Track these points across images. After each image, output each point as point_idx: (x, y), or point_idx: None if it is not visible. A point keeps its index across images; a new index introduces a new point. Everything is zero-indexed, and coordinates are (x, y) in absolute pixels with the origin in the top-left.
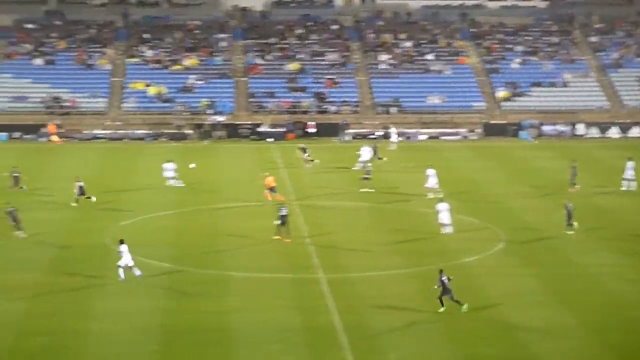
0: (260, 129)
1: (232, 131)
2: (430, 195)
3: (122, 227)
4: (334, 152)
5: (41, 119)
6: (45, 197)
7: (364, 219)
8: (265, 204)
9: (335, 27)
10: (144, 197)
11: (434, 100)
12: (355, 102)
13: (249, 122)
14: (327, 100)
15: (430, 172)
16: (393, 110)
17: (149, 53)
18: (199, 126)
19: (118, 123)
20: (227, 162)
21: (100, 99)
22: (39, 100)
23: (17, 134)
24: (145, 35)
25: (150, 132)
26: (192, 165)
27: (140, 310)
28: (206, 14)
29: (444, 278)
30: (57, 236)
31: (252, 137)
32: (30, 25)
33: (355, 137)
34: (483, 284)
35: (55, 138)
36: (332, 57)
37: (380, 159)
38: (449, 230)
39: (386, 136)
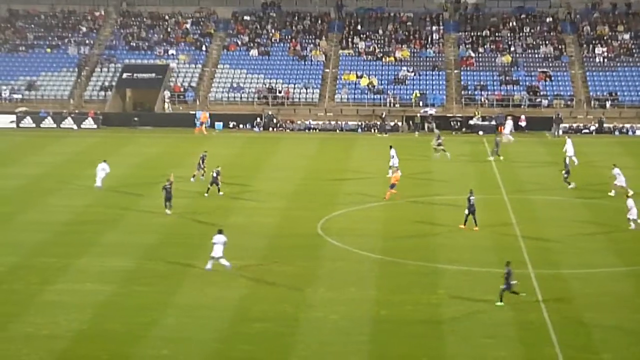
0: (471, 122)
1: (443, 123)
2: (612, 194)
3: (334, 217)
4: (546, 146)
5: (255, 109)
6: (260, 186)
7: (575, 215)
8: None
9: (549, 19)
10: (357, 188)
11: None
12: (569, 95)
13: (460, 115)
14: (540, 93)
15: (616, 171)
16: (608, 104)
17: (362, 45)
18: (410, 118)
19: (330, 114)
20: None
21: (313, 90)
22: (253, 90)
23: (232, 123)
24: (358, 27)
25: (362, 123)
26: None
27: (351, 300)
28: (419, 6)
29: (509, 271)
30: (270, 225)
31: (463, 129)
32: (247, 17)
33: (568, 131)
34: None
35: (202, 128)
36: (545, 50)
37: (497, 155)
38: (633, 226)
39: (599, 130)
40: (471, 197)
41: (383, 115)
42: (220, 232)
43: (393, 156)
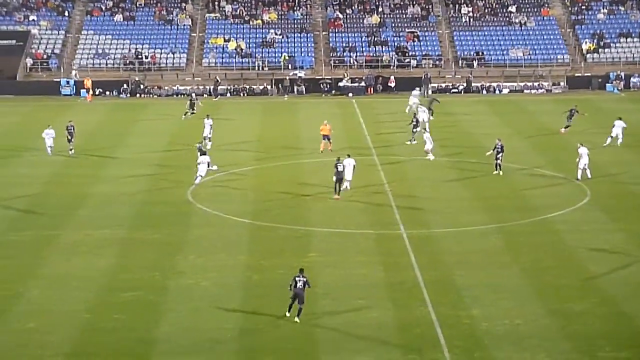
0: (340, 84)
1: (313, 86)
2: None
3: (204, 183)
4: None
5: (121, 76)
6: (128, 153)
7: (444, 175)
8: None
9: None
10: (224, 153)
11: (517, 53)
12: (437, 55)
13: (329, 77)
14: (409, 54)
15: (426, 135)
16: (475, 64)
17: (229, 8)
18: (279, 81)
19: (198, 79)
20: (308, 117)
21: (180, 55)
22: (119, 56)
23: (98, 90)
24: None
25: (231, 87)
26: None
27: (222, 266)
28: None
29: (301, 279)
30: (139, 192)
31: (332, 91)
32: None
33: (437, 91)
34: (568, 240)
35: (88, 95)
36: (413, 10)
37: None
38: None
39: (467, 89)
40: (338, 164)
41: (218, 80)
42: (204, 153)
43: (211, 126)
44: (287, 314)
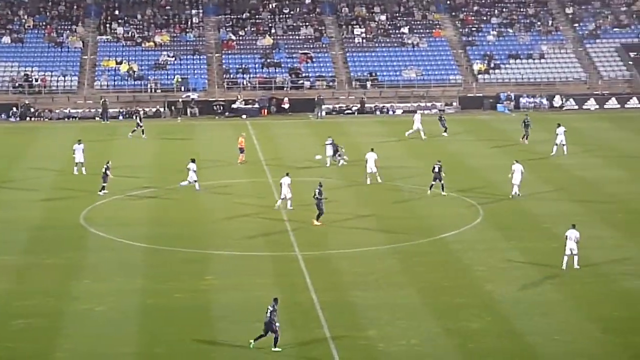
0: (234, 106)
1: (206, 108)
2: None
3: (97, 207)
4: (310, 128)
5: (10, 99)
6: (19, 178)
7: (339, 195)
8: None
9: (308, 1)
10: (119, 177)
11: (410, 74)
12: (330, 77)
13: (223, 99)
14: (302, 75)
15: (370, 155)
16: (369, 84)
17: (120, 30)
18: (172, 104)
19: (90, 102)
20: (203, 140)
21: (71, 77)
22: (7, 79)
23: None
24: (116, 12)
25: (123, 110)
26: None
27: (118, 291)
28: None
29: (270, 309)
30: (31, 217)
31: (226, 113)
32: None
33: (331, 112)
34: (464, 259)
35: None
36: (306, 31)
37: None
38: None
39: (361, 110)
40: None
41: (103, 101)
42: (193, 160)
43: (83, 151)
44: (252, 342)
